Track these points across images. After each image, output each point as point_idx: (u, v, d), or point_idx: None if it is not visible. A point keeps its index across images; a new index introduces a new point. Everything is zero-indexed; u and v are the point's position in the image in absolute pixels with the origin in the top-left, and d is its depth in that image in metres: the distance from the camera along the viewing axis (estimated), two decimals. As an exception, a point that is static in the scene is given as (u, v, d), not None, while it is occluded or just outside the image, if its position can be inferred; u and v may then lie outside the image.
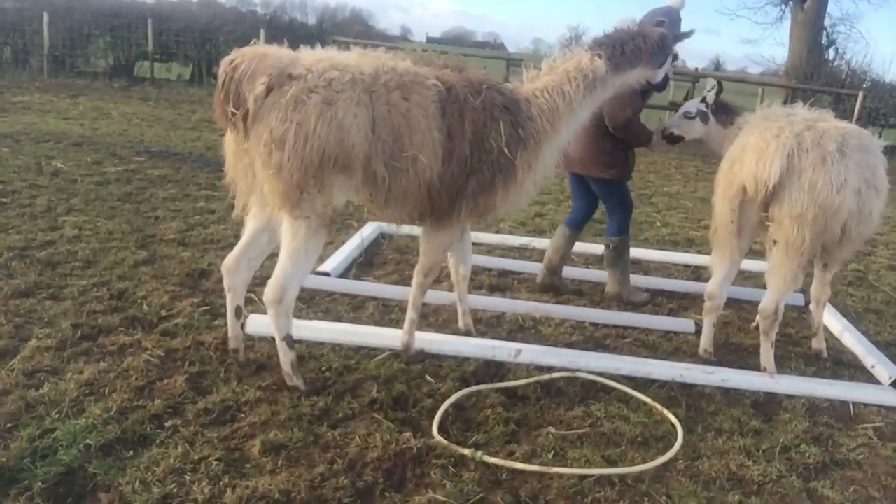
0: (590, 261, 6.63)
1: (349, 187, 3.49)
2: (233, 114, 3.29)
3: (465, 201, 3.81)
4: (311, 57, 3.43)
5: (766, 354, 4.38)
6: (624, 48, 4.07)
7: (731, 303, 4.67)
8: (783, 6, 24.10)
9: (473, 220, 4.16)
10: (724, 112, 4.89)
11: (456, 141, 3.65)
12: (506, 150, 3.76)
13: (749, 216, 4.15)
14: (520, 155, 3.83)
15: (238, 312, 3.94)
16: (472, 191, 3.79)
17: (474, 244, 6.69)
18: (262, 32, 16.61)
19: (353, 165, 3.37)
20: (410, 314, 4.15)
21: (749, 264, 5.99)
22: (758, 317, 4.43)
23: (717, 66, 59.20)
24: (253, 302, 4.72)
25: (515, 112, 3.84)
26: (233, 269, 3.86)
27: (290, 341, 3.67)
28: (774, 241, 4.05)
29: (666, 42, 4.23)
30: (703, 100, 4.95)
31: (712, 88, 4.91)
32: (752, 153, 3.98)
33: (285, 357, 3.68)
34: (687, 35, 4.45)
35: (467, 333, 4.57)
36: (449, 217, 3.88)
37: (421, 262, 4.12)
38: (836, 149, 3.90)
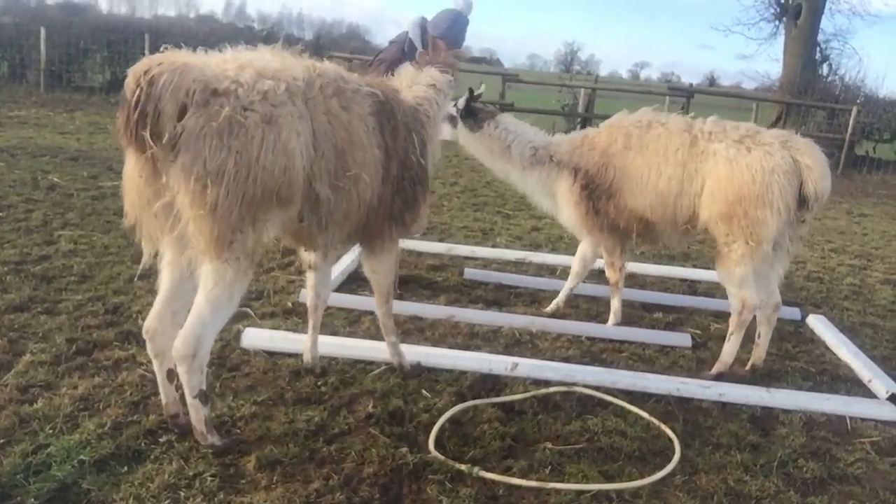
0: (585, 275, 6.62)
1: (284, 221, 3.06)
2: (152, 142, 2.66)
3: (394, 221, 3.75)
4: (227, 63, 2.90)
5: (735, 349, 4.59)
6: (454, 63, 4.35)
7: (725, 315, 4.69)
8: (777, 22, 24.29)
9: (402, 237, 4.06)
10: (473, 117, 5.10)
11: (391, 159, 3.53)
12: (422, 162, 3.76)
13: None
14: (427, 163, 3.85)
15: (170, 376, 3.27)
16: (399, 210, 3.72)
17: (471, 258, 6.73)
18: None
19: (295, 197, 2.97)
20: (390, 339, 4.12)
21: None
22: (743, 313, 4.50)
23: (712, 81, 59.67)
24: (248, 316, 4.71)
25: (417, 119, 3.83)
26: (157, 331, 3.17)
27: (204, 398, 3.13)
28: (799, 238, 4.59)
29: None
30: (455, 104, 5.10)
31: (468, 95, 5.10)
32: (818, 170, 4.26)
33: (198, 415, 3.14)
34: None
35: (311, 369, 4.10)
36: (381, 239, 3.77)
37: (378, 293, 4.02)
38: None
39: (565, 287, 5.48)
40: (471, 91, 5.18)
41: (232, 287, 2.94)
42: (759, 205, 4.24)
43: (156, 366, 3.29)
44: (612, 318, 5.32)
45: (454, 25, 5.23)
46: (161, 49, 2.83)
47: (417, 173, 3.76)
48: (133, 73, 2.66)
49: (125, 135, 2.71)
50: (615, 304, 5.32)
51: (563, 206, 5.11)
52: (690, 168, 4.51)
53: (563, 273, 6.57)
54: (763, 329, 4.70)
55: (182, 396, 3.25)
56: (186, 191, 2.71)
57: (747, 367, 4.69)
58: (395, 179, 3.62)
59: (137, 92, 2.62)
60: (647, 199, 4.66)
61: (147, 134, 2.64)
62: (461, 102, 5.11)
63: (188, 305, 3.14)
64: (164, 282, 3.20)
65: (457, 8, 5.28)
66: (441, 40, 5.21)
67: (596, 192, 4.88)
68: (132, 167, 2.84)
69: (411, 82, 4.06)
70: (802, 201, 4.31)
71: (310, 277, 4.01)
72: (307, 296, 4.07)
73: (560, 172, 5.05)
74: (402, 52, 5.24)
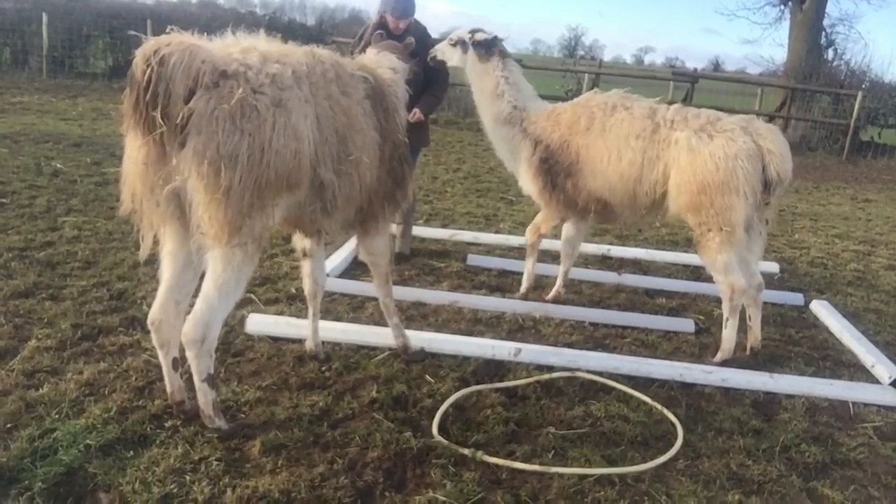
0: (589, 261, 6.63)
1: (290, 205, 3.09)
2: (163, 123, 2.62)
3: (388, 201, 3.78)
4: (230, 47, 2.91)
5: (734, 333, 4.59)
6: (406, 52, 4.30)
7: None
8: (782, 6, 24.06)
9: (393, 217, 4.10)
10: (486, 48, 5.12)
11: (386, 141, 3.59)
12: (406, 140, 3.82)
13: None
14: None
15: (175, 364, 3.31)
16: (390, 189, 3.76)
17: (474, 244, 6.73)
18: (261, 33, 16.55)
19: (304, 181, 3.00)
20: (392, 320, 4.15)
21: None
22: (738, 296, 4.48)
23: (717, 66, 59.30)
24: (252, 302, 4.73)
25: (395, 100, 3.87)
26: (162, 321, 3.19)
27: (212, 381, 3.17)
28: (767, 221, 4.67)
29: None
30: (472, 33, 5.18)
31: (492, 36, 5.15)
32: (781, 153, 4.34)
33: (206, 398, 3.16)
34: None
35: (315, 356, 4.09)
36: (376, 220, 3.79)
37: (377, 275, 4.05)
38: None
39: (560, 271, 5.49)
40: (495, 38, 5.16)
41: (240, 272, 2.96)
42: (725, 191, 4.29)
43: (161, 355, 3.31)
44: (523, 284, 5.50)
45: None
46: (167, 31, 2.78)
47: (403, 152, 3.81)
48: (142, 53, 2.61)
49: (133, 116, 2.67)
50: (529, 267, 5.48)
51: (523, 174, 5.15)
52: (651, 154, 4.55)
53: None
54: (752, 311, 4.74)
55: (187, 383, 3.29)
56: (199, 175, 2.69)
57: (747, 351, 4.71)
58: (388, 159, 3.66)
59: (148, 72, 2.58)
60: (607, 181, 4.70)
61: (158, 114, 2.61)
62: (479, 35, 5.12)
63: (190, 294, 3.21)
64: (166, 272, 3.19)
65: None
66: (388, 13, 5.40)
67: (555, 169, 4.91)
68: (135, 154, 2.80)
69: (376, 65, 4.06)
70: (765, 185, 4.37)
71: (305, 265, 4.00)
72: (305, 284, 4.08)
73: (523, 140, 5.07)
74: (363, 30, 5.60)
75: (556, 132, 4.91)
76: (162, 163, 2.76)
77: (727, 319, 4.53)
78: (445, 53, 5.26)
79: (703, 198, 4.32)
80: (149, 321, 3.22)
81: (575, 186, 4.85)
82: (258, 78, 2.79)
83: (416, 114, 5.55)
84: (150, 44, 2.63)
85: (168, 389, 3.36)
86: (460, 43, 5.17)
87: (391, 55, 4.13)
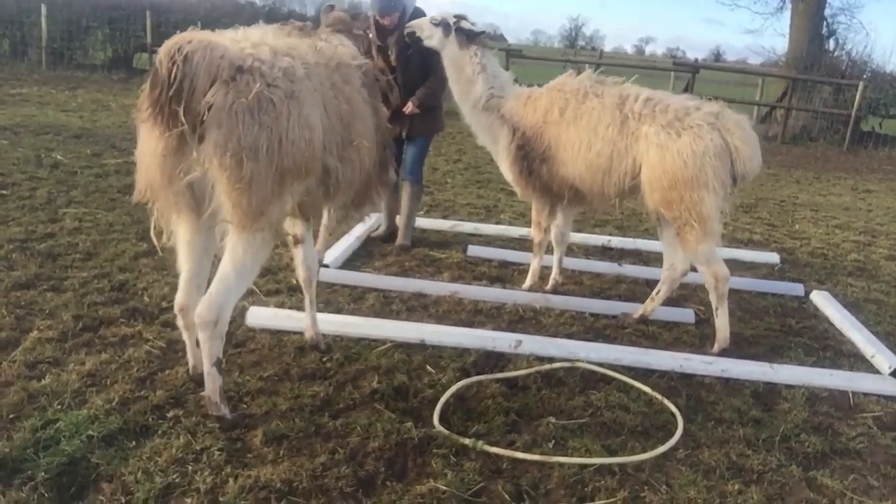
0: (589, 251, 6.64)
1: (303, 191, 3.19)
2: (186, 118, 2.73)
3: (378, 183, 3.85)
4: (240, 42, 3.00)
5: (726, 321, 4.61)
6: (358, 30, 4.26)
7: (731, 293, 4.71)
8: (784, -4, 23.97)
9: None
10: (466, 36, 5.07)
11: (379, 126, 3.67)
12: (388, 125, 3.89)
13: None
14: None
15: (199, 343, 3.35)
16: (379, 172, 3.82)
17: (476, 235, 6.73)
18: (260, 24, 16.47)
19: (316, 168, 3.12)
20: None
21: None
22: (719, 285, 4.51)
23: (718, 56, 59.15)
24: (253, 293, 4.73)
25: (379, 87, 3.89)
26: (188, 307, 3.30)
27: (220, 367, 3.22)
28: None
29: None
30: (458, 18, 5.13)
31: (479, 30, 5.12)
32: (746, 152, 4.35)
33: (214, 384, 3.20)
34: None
35: (315, 346, 4.10)
36: (365, 202, 3.86)
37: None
38: None
39: (554, 260, 5.47)
40: (483, 31, 5.15)
41: (257, 255, 3.08)
42: (694, 186, 4.30)
43: (186, 336, 3.50)
44: (528, 280, 5.44)
45: None
46: (190, 28, 2.88)
47: (387, 137, 3.90)
48: (166, 50, 2.70)
49: (155, 112, 2.76)
50: (534, 265, 5.43)
51: (502, 161, 5.14)
52: (620, 146, 4.54)
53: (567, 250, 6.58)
54: (664, 289, 4.95)
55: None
56: (221, 166, 2.79)
57: (636, 315, 4.98)
58: (379, 144, 3.73)
59: (173, 69, 2.67)
60: (577, 170, 4.70)
61: (181, 110, 2.71)
62: (465, 23, 5.07)
63: (207, 277, 3.33)
64: (186, 262, 3.32)
65: None
66: (374, 13, 5.48)
67: (531, 155, 4.90)
68: (153, 146, 2.88)
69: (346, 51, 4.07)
70: (733, 179, 4.40)
71: (297, 253, 3.97)
72: (298, 272, 4.05)
73: (501, 127, 5.05)
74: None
75: (532, 119, 4.90)
76: (180, 154, 2.86)
77: (716, 308, 4.56)
78: (424, 31, 5.15)
79: (673, 193, 4.34)
80: (177, 308, 3.39)
81: (549, 173, 4.86)
82: (272, 72, 2.88)
83: (409, 106, 5.56)
84: (172, 41, 2.72)
85: (190, 363, 3.57)
86: (443, 25, 5.08)
87: (343, 37, 3.98)
